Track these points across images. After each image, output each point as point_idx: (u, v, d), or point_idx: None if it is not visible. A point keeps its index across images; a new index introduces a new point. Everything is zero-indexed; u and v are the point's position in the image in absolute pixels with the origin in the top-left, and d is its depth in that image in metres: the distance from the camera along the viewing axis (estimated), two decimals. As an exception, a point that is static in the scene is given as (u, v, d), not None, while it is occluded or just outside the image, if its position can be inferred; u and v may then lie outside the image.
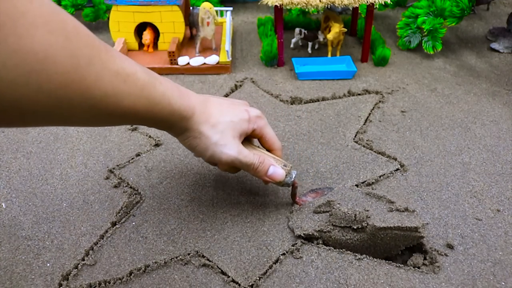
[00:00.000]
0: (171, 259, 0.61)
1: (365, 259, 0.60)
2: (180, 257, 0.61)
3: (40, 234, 0.66)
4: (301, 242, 0.63)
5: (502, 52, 1.23)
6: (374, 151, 0.82)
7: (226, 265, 0.60)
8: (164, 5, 1.11)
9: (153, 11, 1.12)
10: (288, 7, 1.03)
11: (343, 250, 0.62)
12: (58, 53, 0.32)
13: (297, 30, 1.21)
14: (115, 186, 0.74)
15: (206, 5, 1.10)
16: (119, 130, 0.90)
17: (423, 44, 1.20)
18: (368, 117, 0.94)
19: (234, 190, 0.73)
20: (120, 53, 0.42)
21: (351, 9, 1.28)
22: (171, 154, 0.82)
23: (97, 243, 0.64)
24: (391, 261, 0.61)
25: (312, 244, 0.63)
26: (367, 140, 0.85)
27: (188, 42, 1.24)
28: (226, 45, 1.11)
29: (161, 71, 1.10)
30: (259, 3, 1.19)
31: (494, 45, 1.25)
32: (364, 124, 0.91)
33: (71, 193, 0.73)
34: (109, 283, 0.58)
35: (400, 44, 1.26)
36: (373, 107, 0.97)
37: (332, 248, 0.62)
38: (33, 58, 0.30)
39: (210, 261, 0.61)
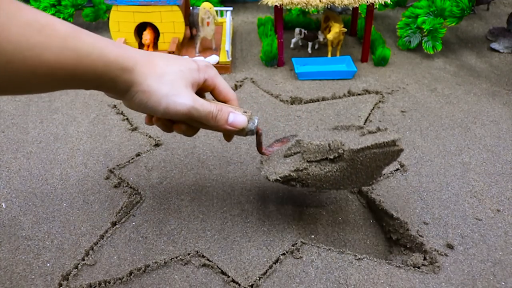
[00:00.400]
0: (171, 259, 0.61)
1: (365, 259, 0.60)
2: (180, 257, 0.61)
3: (40, 234, 0.66)
4: (301, 242, 0.63)
5: (502, 52, 1.23)
6: (374, 151, 0.82)
7: (226, 265, 0.60)
8: (164, 5, 1.11)
9: (153, 11, 1.12)
10: (288, 7, 1.03)
11: (343, 250, 0.62)
12: None
13: (297, 30, 1.21)
14: (115, 186, 0.74)
15: (206, 5, 1.10)
16: (119, 130, 0.90)
17: (423, 44, 1.20)
18: (368, 117, 0.94)
19: (234, 190, 0.73)
20: (34, 8, 0.38)
21: (351, 9, 1.28)
22: (171, 154, 0.82)
23: (97, 243, 0.64)
24: (391, 261, 0.61)
25: (312, 244, 0.63)
26: (367, 140, 0.85)
27: (188, 42, 1.24)
28: (226, 45, 1.12)
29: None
30: (259, 3, 1.19)
31: (494, 45, 1.26)
32: (364, 124, 0.91)
33: (71, 193, 0.73)
34: (109, 283, 0.58)
35: (400, 44, 1.26)
36: (373, 107, 0.97)
37: (332, 248, 0.62)
38: None
39: (210, 261, 0.61)
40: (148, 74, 0.46)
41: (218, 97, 0.57)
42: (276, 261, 0.60)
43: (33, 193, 0.73)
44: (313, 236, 0.65)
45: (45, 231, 0.66)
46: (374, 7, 1.09)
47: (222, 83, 0.55)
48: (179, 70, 0.48)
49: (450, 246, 0.62)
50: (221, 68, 1.11)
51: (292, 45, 1.25)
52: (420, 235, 0.64)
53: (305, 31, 1.20)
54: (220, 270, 0.59)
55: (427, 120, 0.93)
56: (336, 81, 1.09)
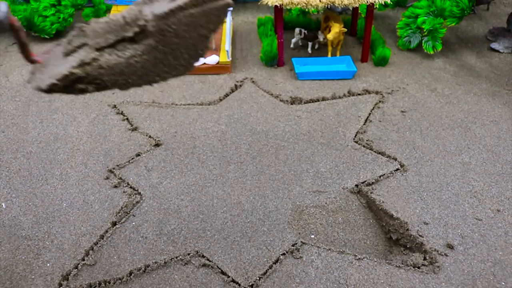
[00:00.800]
0: (171, 259, 0.61)
1: (365, 259, 0.60)
2: (180, 257, 0.61)
3: (40, 234, 0.66)
4: (301, 242, 0.63)
5: (502, 52, 1.23)
6: (374, 151, 0.82)
7: (226, 265, 0.60)
8: (164, 5, 1.11)
9: (153, 11, 1.12)
10: (288, 7, 1.03)
11: (343, 250, 0.62)
12: None
13: (297, 30, 1.21)
14: (115, 186, 0.74)
15: (206, 5, 1.10)
16: (119, 130, 0.90)
17: (423, 44, 1.20)
18: (368, 117, 0.94)
19: (234, 190, 0.73)
20: None
21: (351, 9, 1.28)
22: (171, 154, 0.82)
23: (97, 243, 0.64)
24: (391, 261, 0.61)
25: (312, 244, 0.63)
26: (367, 140, 0.85)
27: (188, 42, 1.24)
28: (226, 45, 1.11)
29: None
30: (259, 3, 1.19)
31: (494, 45, 1.25)
32: (364, 124, 0.91)
33: (71, 193, 0.73)
34: (109, 283, 0.58)
35: (400, 44, 1.26)
36: (373, 107, 0.97)
37: (332, 248, 0.62)
38: None
39: (210, 261, 0.61)
40: None
41: None
42: (276, 261, 0.60)
43: (33, 193, 0.73)
44: (313, 236, 0.65)
45: (45, 231, 0.66)
46: (374, 7, 1.09)
47: None
48: None
49: (450, 246, 0.62)
50: (221, 68, 1.11)
51: (292, 45, 1.25)
52: (420, 235, 0.64)
53: (305, 31, 1.20)
54: (220, 270, 0.59)
55: (427, 120, 0.93)
56: (336, 81, 1.09)
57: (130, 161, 0.80)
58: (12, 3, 1.32)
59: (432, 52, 1.18)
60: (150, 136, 0.87)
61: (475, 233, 0.64)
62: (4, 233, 0.66)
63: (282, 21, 1.11)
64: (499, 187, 0.73)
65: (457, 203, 0.70)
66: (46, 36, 1.30)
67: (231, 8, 1.31)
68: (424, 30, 1.19)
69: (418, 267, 0.60)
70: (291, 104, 0.98)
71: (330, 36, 1.11)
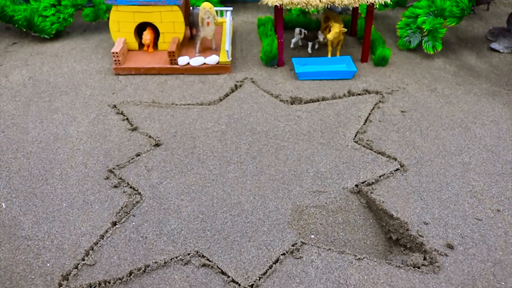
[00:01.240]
0: (171, 259, 0.61)
1: (365, 259, 0.60)
2: (180, 257, 0.61)
3: (40, 234, 0.66)
4: (301, 242, 0.63)
5: (502, 52, 1.23)
6: (374, 151, 0.82)
7: (226, 265, 0.60)
8: (164, 5, 1.11)
9: (153, 11, 1.12)
10: (288, 7, 1.03)
11: (343, 250, 0.62)
12: None
13: (297, 30, 1.21)
14: (115, 186, 0.74)
15: (206, 5, 1.10)
16: (119, 130, 0.90)
17: (423, 44, 1.20)
18: (368, 117, 0.94)
19: (234, 190, 0.73)
20: None
21: (351, 9, 1.28)
22: (171, 154, 0.82)
23: (97, 243, 0.64)
24: (391, 261, 0.61)
25: (312, 244, 0.63)
26: (367, 140, 0.85)
27: (188, 42, 1.24)
28: (226, 45, 1.11)
29: (161, 71, 1.11)
30: (259, 3, 1.19)
31: (494, 45, 1.26)
32: (364, 124, 0.91)
33: (71, 193, 0.73)
34: (109, 283, 0.58)
35: (400, 44, 1.26)
36: (373, 107, 0.97)
37: (332, 248, 0.62)
38: None
39: (210, 261, 0.61)
40: None
41: None
42: (276, 261, 0.60)
43: (33, 193, 0.73)
44: (313, 236, 0.65)
45: (45, 231, 0.66)
46: (374, 7, 1.09)
47: None
48: None
49: (450, 246, 0.62)
50: (221, 68, 1.11)
51: (292, 45, 1.25)
52: (420, 235, 0.64)
53: (305, 31, 1.20)
54: (220, 270, 0.59)
55: (427, 120, 0.93)
56: (336, 81, 1.09)
57: (130, 161, 0.80)
58: (12, 3, 1.32)
59: (432, 52, 1.18)
60: (150, 136, 0.87)
61: (475, 233, 0.64)
62: (4, 233, 0.66)
63: (282, 21, 1.11)
64: (499, 187, 0.73)
65: (457, 203, 0.70)
66: (46, 36, 1.30)
67: (231, 8, 1.31)
68: (424, 30, 1.19)
69: (418, 267, 0.60)
70: (291, 104, 0.98)
71: (330, 36, 1.11)
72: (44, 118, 0.94)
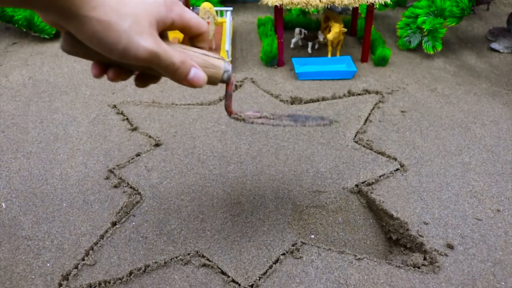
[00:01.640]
0: (171, 259, 0.61)
1: (365, 259, 0.60)
2: (180, 257, 0.61)
3: (40, 234, 0.66)
4: (301, 242, 0.63)
5: (502, 52, 1.23)
6: (374, 151, 0.82)
7: (226, 265, 0.60)
8: (164, 5, 1.11)
9: (153, 11, 1.12)
10: (288, 7, 1.03)
11: (343, 250, 0.62)
12: None
13: (297, 30, 1.21)
14: (115, 186, 0.74)
15: (206, 5, 1.10)
16: (119, 130, 0.90)
17: (423, 44, 1.20)
18: (368, 117, 0.94)
19: (234, 190, 0.73)
20: None
21: (351, 9, 1.28)
22: (171, 154, 0.82)
23: (97, 243, 0.64)
24: (391, 261, 0.61)
25: (312, 244, 0.63)
26: (367, 140, 0.85)
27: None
28: (226, 45, 1.12)
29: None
30: (259, 3, 1.19)
31: (494, 45, 1.26)
32: (364, 124, 0.91)
33: (71, 193, 0.73)
34: (109, 283, 0.58)
35: (400, 44, 1.26)
36: (373, 107, 0.97)
37: (332, 248, 0.62)
38: None
39: (210, 261, 0.61)
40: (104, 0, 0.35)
41: (189, 33, 0.48)
42: (276, 261, 0.60)
43: (33, 193, 0.73)
44: (313, 236, 0.65)
45: (45, 231, 0.66)
46: (374, 7, 1.09)
47: (192, 19, 0.45)
48: (142, 1, 0.38)
49: (450, 246, 0.62)
50: (221, 68, 1.11)
51: (292, 45, 1.25)
52: (420, 235, 0.64)
53: (305, 31, 1.20)
54: (220, 270, 0.59)
55: (427, 120, 0.93)
56: (336, 81, 1.09)
57: (130, 161, 0.80)
58: (12, 3, 1.32)
59: (432, 52, 1.18)
60: (150, 136, 0.87)
61: (475, 233, 0.64)
62: (4, 233, 0.66)
63: (282, 21, 1.11)
64: (499, 187, 0.73)
65: (457, 203, 0.70)
66: (46, 36, 1.30)
67: (231, 8, 1.31)
68: (424, 30, 1.19)
69: (418, 267, 0.60)
70: (291, 104, 0.98)
71: (330, 36, 1.11)
72: (44, 118, 0.94)
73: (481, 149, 0.83)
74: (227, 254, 0.61)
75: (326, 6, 1.03)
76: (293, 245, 0.63)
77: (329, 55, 1.16)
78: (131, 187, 0.74)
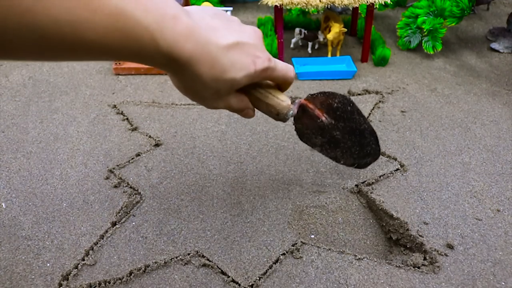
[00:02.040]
0: (171, 259, 0.61)
1: (365, 259, 0.60)
2: (180, 257, 0.61)
3: (40, 234, 0.66)
4: (301, 242, 0.63)
5: (502, 52, 1.23)
6: (374, 151, 0.82)
7: (226, 265, 0.60)
8: (164, 5, 1.11)
9: (153, 11, 1.12)
10: (288, 7, 1.03)
11: (343, 250, 0.62)
12: None
13: (297, 30, 1.21)
14: (115, 186, 0.74)
15: (206, 5, 1.10)
16: (119, 130, 0.90)
17: (423, 44, 1.20)
18: (368, 117, 0.94)
19: (234, 190, 0.73)
20: None
21: (351, 9, 1.28)
22: (171, 154, 0.82)
23: (97, 243, 0.64)
24: (391, 261, 0.61)
25: (312, 244, 0.63)
26: (367, 140, 0.85)
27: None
28: (226, 45, 1.11)
29: (161, 71, 1.11)
30: (259, 3, 1.19)
31: (494, 45, 1.26)
32: (364, 124, 0.91)
33: (71, 193, 0.73)
34: (109, 283, 0.58)
35: (400, 44, 1.26)
36: (373, 107, 0.97)
37: (332, 248, 0.62)
38: None
39: (210, 261, 0.61)
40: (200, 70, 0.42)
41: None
42: (276, 261, 0.60)
43: (33, 193, 0.73)
44: (313, 236, 0.65)
45: (45, 231, 0.66)
46: (374, 7, 1.09)
47: (279, 77, 0.54)
48: (231, 78, 0.44)
49: (450, 246, 0.62)
50: (221, 68, 1.11)
51: (292, 45, 1.25)
52: (420, 235, 0.64)
53: (305, 31, 1.20)
54: (220, 270, 0.59)
55: (427, 120, 0.93)
56: (336, 81, 1.09)
57: (130, 161, 0.80)
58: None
59: (432, 52, 1.18)
60: (150, 136, 0.87)
61: (475, 233, 0.64)
62: (4, 233, 0.66)
63: (282, 21, 1.11)
64: (499, 187, 0.73)
65: (457, 203, 0.70)
66: (46, 36, 1.30)
67: (231, 8, 1.31)
68: (424, 30, 1.19)
69: (418, 267, 0.60)
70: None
71: (330, 36, 1.11)
72: (44, 118, 0.94)
73: (481, 149, 0.83)
74: (227, 254, 0.61)
75: (326, 6, 1.03)
76: (293, 245, 0.62)
77: (329, 55, 1.16)
78: (131, 187, 0.74)
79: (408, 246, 0.64)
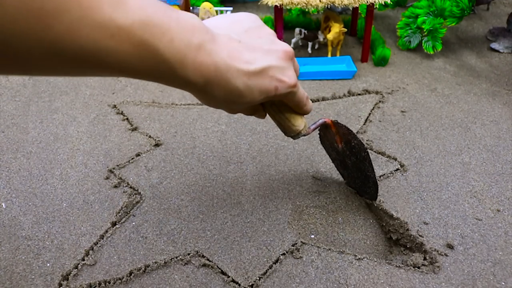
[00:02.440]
0: (171, 259, 0.61)
1: (365, 259, 0.60)
2: (180, 257, 0.61)
3: (40, 234, 0.66)
4: (301, 242, 0.63)
5: (502, 52, 1.23)
6: (374, 151, 0.82)
7: (226, 265, 0.60)
8: (164, 5, 1.11)
9: (153, 11, 1.12)
10: (288, 7, 1.03)
11: (343, 250, 0.62)
12: None
13: (297, 30, 1.21)
14: (115, 186, 0.74)
15: (206, 5, 1.10)
16: (119, 130, 0.90)
17: (423, 44, 1.20)
18: (368, 117, 0.94)
19: (234, 190, 0.73)
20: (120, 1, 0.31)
21: (351, 9, 1.28)
22: (171, 154, 0.82)
23: (97, 243, 0.64)
24: (391, 261, 0.61)
25: (312, 244, 0.63)
26: (367, 140, 0.85)
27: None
28: (226, 45, 1.11)
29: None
30: (259, 3, 1.19)
31: (494, 45, 1.26)
32: (364, 124, 0.91)
33: (71, 193, 0.73)
34: (109, 283, 0.58)
35: (400, 44, 1.26)
36: (373, 107, 0.97)
37: (332, 248, 0.62)
38: None
39: (210, 261, 0.61)
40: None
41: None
42: (276, 261, 0.60)
43: (33, 193, 0.73)
44: (313, 236, 0.65)
45: (45, 231, 0.66)
46: (374, 7, 1.09)
47: (298, 108, 0.55)
48: (248, 102, 0.45)
49: (450, 246, 0.62)
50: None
51: (292, 45, 1.25)
52: (420, 235, 0.64)
53: (305, 31, 1.20)
54: (220, 270, 0.59)
55: (427, 120, 0.93)
56: (336, 81, 1.09)
57: (130, 161, 0.80)
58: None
59: (432, 52, 1.18)
60: (150, 136, 0.87)
61: (475, 233, 0.64)
62: (4, 233, 0.66)
63: (282, 21, 1.11)
64: (499, 187, 0.73)
65: (457, 203, 0.70)
66: (46, 36, 1.30)
67: (230, 8, 1.31)
68: (424, 30, 1.19)
69: (418, 267, 0.60)
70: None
71: (330, 36, 1.11)
72: (44, 118, 0.94)
73: (481, 149, 0.83)
74: (227, 254, 0.61)
75: (326, 6, 1.03)
76: (293, 245, 0.62)
77: (329, 55, 1.16)
78: (131, 187, 0.74)
79: (408, 246, 0.64)
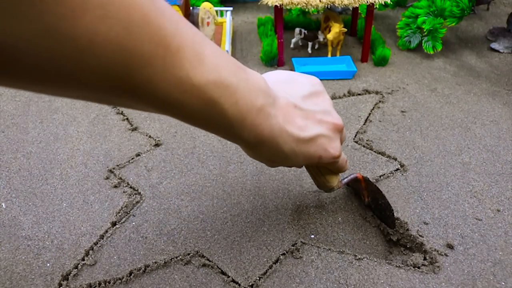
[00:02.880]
0: (171, 259, 0.61)
1: (365, 259, 0.60)
2: (180, 257, 0.61)
3: (40, 234, 0.66)
4: (301, 242, 0.63)
5: (502, 52, 1.23)
6: (374, 151, 0.82)
7: (226, 265, 0.60)
8: (164, 5, 1.11)
9: (153, 11, 1.12)
10: (288, 7, 1.03)
11: (343, 250, 0.62)
12: (105, 45, 0.25)
13: (297, 30, 1.21)
14: (115, 186, 0.74)
15: (206, 5, 1.10)
16: (119, 130, 0.90)
17: (423, 44, 1.20)
18: (368, 117, 0.94)
19: (234, 190, 0.73)
20: (199, 53, 0.32)
21: (351, 9, 1.28)
22: (171, 154, 0.82)
23: (97, 243, 0.64)
24: (391, 261, 0.61)
25: (312, 244, 0.63)
26: (367, 140, 0.85)
27: (188, 42, 1.24)
28: (226, 45, 1.11)
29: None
30: (259, 3, 1.19)
31: (494, 45, 1.26)
32: (364, 124, 0.91)
33: (71, 193, 0.73)
34: (109, 283, 0.58)
35: (400, 44, 1.26)
36: (373, 107, 0.97)
37: (332, 248, 0.62)
38: (70, 43, 0.24)
39: (210, 261, 0.61)
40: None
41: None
42: (276, 261, 0.60)
43: (33, 193, 0.73)
44: (313, 236, 0.65)
45: (45, 231, 0.66)
46: (374, 7, 1.09)
47: (335, 166, 0.56)
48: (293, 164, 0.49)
49: (450, 246, 0.62)
50: (221, 68, 1.11)
51: (292, 45, 1.25)
52: (420, 235, 0.64)
53: (305, 31, 1.20)
54: (220, 270, 0.59)
55: (427, 120, 0.93)
56: (336, 81, 1.09)
57: (130, 161, 0.80)
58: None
59: (432, 52, 1.18)
60: (150, 136, 0.87)
61: (475, 233, 0.64)
62: (4, 233, 0.66)
63: (282, 21, 1.11)
64: (499, 187, 0.73)
65: (457, 203, 0.70)
66: (46, 36, 1.30)
67: (231, 8, 1.31)
68: (424, 30, 1.19)
69: (418, 267, 0.60)
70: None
71: (330, 36, 1.11)
72: (44, 118, 0.94)
73: (481, 149, 0.83)
74: (227, 254, 0.61)
75: (326, 6, 1.03)
76: (293, 245, 0.63)
77: (329, 55, 1.17)
78: (131, 187, 0.74)
79: (408, 246, 0.64)
